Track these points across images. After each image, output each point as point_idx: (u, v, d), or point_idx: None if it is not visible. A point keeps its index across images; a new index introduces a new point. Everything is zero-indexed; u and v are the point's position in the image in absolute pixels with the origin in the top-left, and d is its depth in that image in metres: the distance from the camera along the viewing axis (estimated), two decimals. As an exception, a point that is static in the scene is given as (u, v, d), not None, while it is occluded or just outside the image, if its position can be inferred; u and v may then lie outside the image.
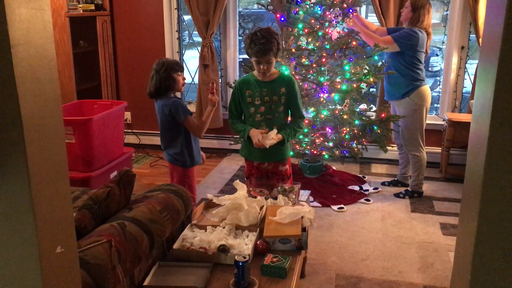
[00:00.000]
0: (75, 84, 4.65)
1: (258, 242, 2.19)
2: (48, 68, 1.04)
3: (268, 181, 2.97)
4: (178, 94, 3.27)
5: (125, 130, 5.32)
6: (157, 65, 2.95)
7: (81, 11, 4.69)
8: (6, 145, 0.98)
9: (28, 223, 1.03)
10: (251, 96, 2.81)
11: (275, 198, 2.63)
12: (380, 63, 3.92)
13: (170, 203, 2.07)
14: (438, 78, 8.47)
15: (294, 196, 2.70)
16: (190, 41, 5.58)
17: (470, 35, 4.50)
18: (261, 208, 2.48)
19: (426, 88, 3.85)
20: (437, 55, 8.47)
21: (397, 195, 4.04)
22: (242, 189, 2.56)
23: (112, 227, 1.76)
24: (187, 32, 5.52)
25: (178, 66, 2.97)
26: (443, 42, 4.65)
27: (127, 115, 5.42)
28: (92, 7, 4.86)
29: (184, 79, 3.02)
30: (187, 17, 5.11)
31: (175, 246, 2.11)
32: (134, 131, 5.46)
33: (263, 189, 2.75)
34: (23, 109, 0.97)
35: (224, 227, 2.31)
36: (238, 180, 2.59)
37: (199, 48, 4.97)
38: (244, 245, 2.18)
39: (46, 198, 1.06)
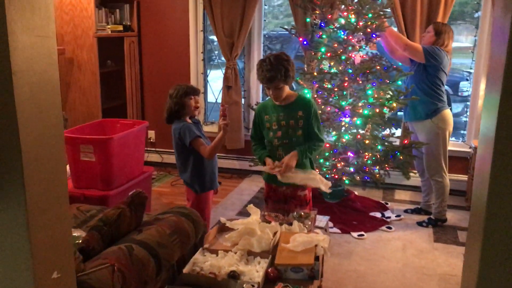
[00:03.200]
0: (100, 102, 4.74)
1: (269, 270, 2.15)
2: (51, 94, 1.05)
3: (286, 206, 2.93)
4: (200, 118, 3.27)
5: (148, 149, 5.39)
6: (171, 91, 2.99)
7: (109, 32, 4.80)
8: (4, 171, 0.99)
9: (24, 248, 1.03)
10: (269, 121, 2.80)
11: (290, 224, 2.59)
12: (403, 88, 3.86)
13: (180, 226, 2.06)
14: (468, 103, 8.32)
15: (310, 223, 2.65)
16: (219, 60, 5.64)
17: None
18: (275, 234, 2.44)
19: (448, 111, 3.77)
20: (467, 79, 8.31)
21: (419, 224, 3.92)
22: (255, 213, 2.53)
23: (120, 250, 1.76)
24: (216, 52, 5.59)
25: (190, 90, 2.97)
26: (470, 68, 4.55)
27: (151, 133, 5.48)
28: (120, 28, 4.97)
29: (197, 102, 3.01)
30: (215, 37, 5.16)
31: (185, 270, 2.08)
32: (157, 149, 5.51)
33: (279, 214, 2.71)
34: (22, 135, 0.98)
35: (236, 252, 2.28)
36: (252, 205, 2.56)
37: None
38: (255, 272, 2.14)
39: (43, 224, 1.06)
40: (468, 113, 4.70)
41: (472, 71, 4.56)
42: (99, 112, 4.72)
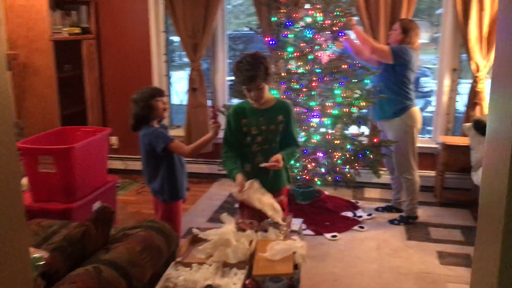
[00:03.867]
0: (59, 109, 4.51)
1: (247, 282, 2.05)
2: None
3: (262, 213, 2.83)
4: (165, 121, 3.13)
5: (111, 156, 5.18)
6: (134, 95, 2.81)
7: (66, 35, 4.58)
8: None
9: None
10: (247, 126, 2.66)
11: (266, 231, 2.50)
12: (371, 87, 3.84)
13: (151, 242, 1.93)
14: (429, 98, 8.46)
15: (285, 228, 2.57)
16: (181, 61, 5.48)
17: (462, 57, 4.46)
18: (251, 243, 2.35)
19: (417, 109, 3.78)
20: (427, 75, 8.46)
21: (391, 222, 3.92)
22: (230, 223, 2.42)
23: (87, 272, 1.62)
24: (178, 52, 5.43)
25: (156, 92, 2.82)
26: (434, 65, 4.59)
27: (114, 139, 5.28)
28: (78, 30, 4.75)
29: (165, 103, 2.86)
30: (177, 38, 5.00)
31: (158, 287, 1.96)
32: (121, 156, 5.31)
33: (253, 221, 2.61)
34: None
35: (210, 265, 2.17)
36: (225, 214, 2.45)
37: (187, 71, 4.87)
38: (232, 284, 2.03)
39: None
40: (432, 108, 4.75)
41: (434, 66, 4.59)
42: (58, 119, 4.49)
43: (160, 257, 1.98)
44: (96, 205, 3.31)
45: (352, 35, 3.84)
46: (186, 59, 4.89)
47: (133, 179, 5.06)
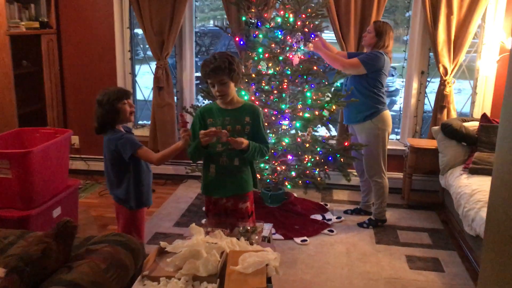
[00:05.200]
0: (16, 108, 4.26)
1: (218, 297, 1.96)
2: None
3: (228, 219, 2.75)
4: (130, 124, 2.98)
5: (73, 156, 4.97)
6: (99, 97, 2.63)
7: (24, 29, 4.33)
8: None
9: None
10: (213, 125, 2.60)
11: (237, 239, 2.41)
12: (342, 90, 3.81)
13: (117, 258, 1.81)
14: (394, 98, 8.57)
15: (257, 237, 2.49)
16: (144, 55, 5.30)
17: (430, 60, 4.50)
18: (222, 254, 2.25)
19: (388, 112, 3.78)
20: (392, 75, 8.56)
21: (360, 225, 3.91)
22: (199, 233, 2.32)
23: (46, 296, 1.49)
24: (142, 46, 5.25)
25: (122, 94, 2.65)
26: (402, 67, 4.61)
27: (75, 139, 5.07)
28: (37, 25, 4.50)
29: (132, 106, 2.71)
30: (142, 31, 4.83)
31: (124, 305, 1.85)
32: (82, 156, 5.10)
33: (224, 229, 2.52)
34: None
35: (179, 278, 2.06)
36: (194, 224, 2.35)
37: (154, 65, 4.70)
38: (202, 300, 1.94)
39: None
40: (397, 108, 4.78)
41: (398, 65, 4.60)
42: (15, 118, 4.24)
43: (127, 274, 1.87)
44: (56, 211, 3.14)
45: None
46: (150, 53, 4.72)
47: (96, 181, 4.87)
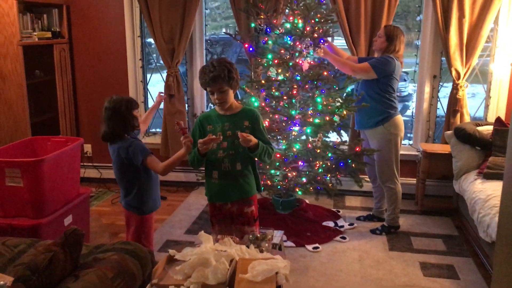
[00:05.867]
0: (29, 117, 4.31)
1: (227, 305, 1.94)
2: None
3: (233, 225, 2.74)
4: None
5: (85, 164, 5.01)
6: (111, 103, 2.64)
7: (37, 39, 4.38)
8: None
9: None
10: (213, 131, 2.62)
11: (247, 246, 2.39)
12: (353, 95, 3.78)
13: (124, 267, 1.80)
14: (407, 103, 8.49)
15: (267, 245, 2.47)
16: (158, 64, 5.32)
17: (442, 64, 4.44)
18: (231, 262, 2.23)
19: (400, 117, 3.73)
20: (405, 80, 8.48)
21: (373, 232, 3.86)
22: (208, 241, 2.30)
23: (53, 305, 1.48)
24: (155, 55, 5.27)
25: (131, 104, 2.68)
26: (414, 72, 4.56)
27: (88, 147, 5.11)
28: (49, 34, 4.56)
29: (140, 115, 2.76)
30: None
31: (132, 314, 1.84)
32: (95, 164, 5.13)
33: (233, 237, 2.50)
34: None
35: (189, 287, 2.05)
36: (202, 232, 2.33)
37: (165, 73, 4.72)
38: (211, 308, 1.92)
39: None
40: (410, 113, 4.72)
41: (410, 70, 4.55)
42: (28, 127, 4.29)
43: (134, 283, 1.86)
44: (68, 220, 3.15)
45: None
46: (162, 61, 4.75)
47: (108, 188, 4.90)
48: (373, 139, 3.75)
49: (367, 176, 4.13)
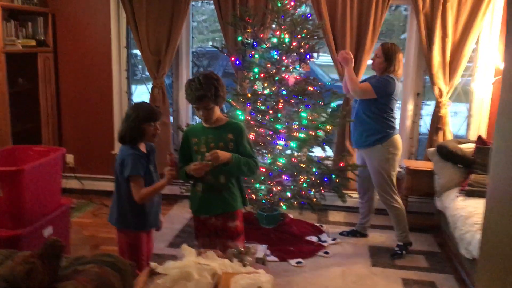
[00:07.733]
0: (10, 126, 4.23)
1: (209, 321, 1.91)
2: None
3: (217, 239, 2.71)
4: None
5: (67, 175, 4.93)
6: (130, 110, 2.62)
7: (20, 47, 4.33)
8: None
9: None
10: (197, 144, 2.63)
11: (230, 261, 2.36)
12: (338, 110, 3.81)
13: (104, 279, 1.76)
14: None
15: (250, 259, 2.45)
16: (143, 75, 5.30)
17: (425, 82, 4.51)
18: (213, 276, 2.20)
19: (398, 137, 3.70)
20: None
21: (393, 256, 3.71)
22: (190, 254, 2.27)
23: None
24: (140, 66, 5.25)
25: (153, 115, 2.61)
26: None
27: (70, 158, 5.03)
28: (33, 43, 4.52)
29: (157, 129, 2.65)
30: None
31: (111, 329, 1.79)
32: (76, 175, 5.05)
33: (217, 251, 2.47)
34: None
35: (170, 301, 2.02)
36: (185, 245, 2.30)
37: (151, 85, 4.70)
38: (192, 323, 1.89)
39: None
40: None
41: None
42: (9, 136, 4.21)
43: (115, 296, 1.82)
44: (48, 231, 3.09)
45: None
46: (147, 73, 4.73)
47: (89, 200, 4.82)
48: (371, 158, 3.71)
49: (350, 191, 4.14)
